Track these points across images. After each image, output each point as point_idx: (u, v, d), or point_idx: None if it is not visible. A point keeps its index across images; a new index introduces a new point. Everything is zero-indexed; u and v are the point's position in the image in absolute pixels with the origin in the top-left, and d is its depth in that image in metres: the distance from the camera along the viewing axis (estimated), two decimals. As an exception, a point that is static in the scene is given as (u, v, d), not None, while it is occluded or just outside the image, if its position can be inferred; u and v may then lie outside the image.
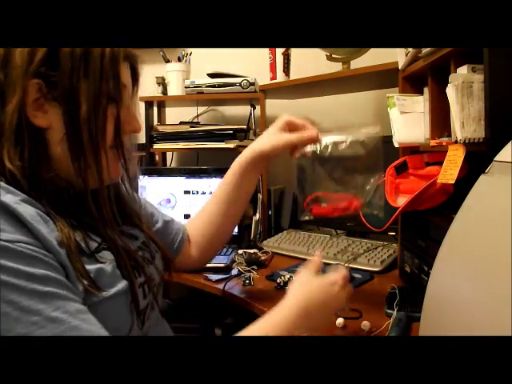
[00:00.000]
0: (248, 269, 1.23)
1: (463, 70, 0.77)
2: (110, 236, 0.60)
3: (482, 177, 0.55)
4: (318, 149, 0.84)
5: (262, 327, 0.62)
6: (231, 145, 1.55)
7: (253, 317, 1.01)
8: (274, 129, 0.84)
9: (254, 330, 0.61)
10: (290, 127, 0.84)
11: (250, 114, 1.67)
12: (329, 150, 0.91)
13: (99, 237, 0.59)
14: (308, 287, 0.70)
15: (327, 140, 0.85)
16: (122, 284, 0.57)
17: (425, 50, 0.91)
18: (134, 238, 0.70)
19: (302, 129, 0.83)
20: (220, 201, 0.91)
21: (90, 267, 0.54)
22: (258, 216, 1.54)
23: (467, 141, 0.74)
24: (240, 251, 1.35)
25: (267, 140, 0.84)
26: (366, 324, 0.86)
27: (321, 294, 0.70)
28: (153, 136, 1.65)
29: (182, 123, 1.71)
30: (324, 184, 0.91)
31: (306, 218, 0.90)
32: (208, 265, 1.09)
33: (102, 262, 0.56)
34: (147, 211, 0.86)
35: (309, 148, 0.84)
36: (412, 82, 1.09)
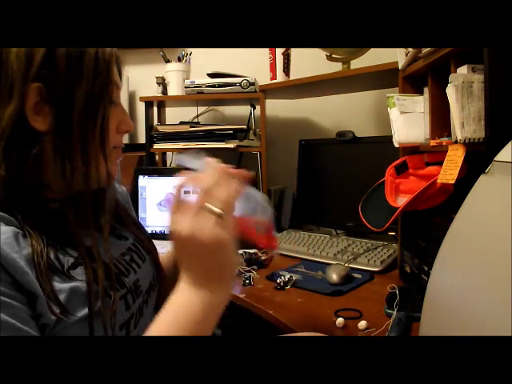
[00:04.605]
0: (248, 269, 1.23)
1: (463, 69, 0.77)
2: (89, 250, 0.57)
3: (482, 177, 0.55)
4: None
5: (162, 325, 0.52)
6: (231, 145, 1.55)
7: (253, 317, 1.02)
8: None
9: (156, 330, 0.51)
10: None
11: (250, 113, 1.68)
12: None
13: (77, 251, 0.56)
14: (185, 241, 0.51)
15: None
16: (98, 302, 0.53)
17: (425, 50, 0.91)
18: (123, 239, 0.68)
19: None
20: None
21: (63, 286, 0.51)
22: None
23: (467, 141, 0.74)
24: (240, 251, 1.35)
25: None
26: (362, 324, 0.86)
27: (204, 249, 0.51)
28: (153, 136, 1.65)
29: (181, 123, 1.71)
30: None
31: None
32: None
33: (77, 280, 0.53)
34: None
35: None
36: (412, 82, 1.09)
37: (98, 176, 0.58)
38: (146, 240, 0.74)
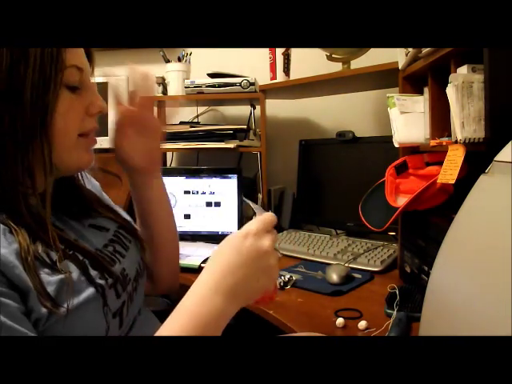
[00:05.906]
0: (248, 269, 1.23)
1: (463, 69, 0.77)
2: (73, 242, 0.59)
3: (482, 177, 0.55)
4: None
5: (176, 323, 0.53)
6: (231, 145, 1.55)
7: (252, 317, 1.02)
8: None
9: (168, 328, 0.53)
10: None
11: (250, 113, 1.67)
12: None
13: (62, 244, 0.57)
14: (229, 255, 0.57)
15: None
16: (89, 291, 0.55)
17: (425, 50, 0.91)
18: (104, 230, 0.68)
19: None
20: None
21: (52, 279, 0.52)
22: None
23: (467, 141, 0.74)
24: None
25: None
26: (362, 324, 0.86)
27: (245, 261, 0.56)
28: (153, 136, 1.65)
29: (181, 123, 1.71)
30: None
31: None
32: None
33: (65, 272, 0.54)
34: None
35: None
36: (412, 82, 1.09)
37: (63, 165, 0.59)
38: (127, 225, 0.74)
